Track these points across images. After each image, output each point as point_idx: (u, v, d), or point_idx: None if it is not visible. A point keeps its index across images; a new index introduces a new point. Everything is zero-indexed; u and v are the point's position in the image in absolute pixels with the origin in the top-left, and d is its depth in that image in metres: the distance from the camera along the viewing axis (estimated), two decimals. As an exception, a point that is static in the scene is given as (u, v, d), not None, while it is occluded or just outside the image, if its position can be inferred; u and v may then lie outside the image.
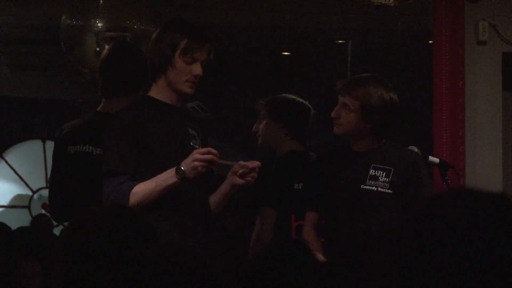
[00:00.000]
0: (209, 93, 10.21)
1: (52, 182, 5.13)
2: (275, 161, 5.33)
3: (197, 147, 4.31)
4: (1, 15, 7.95)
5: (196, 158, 4.06)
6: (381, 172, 4.59)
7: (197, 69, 4.30)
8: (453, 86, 5.98)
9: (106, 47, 5.10)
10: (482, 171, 5.95)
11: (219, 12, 7.46)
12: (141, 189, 4.12)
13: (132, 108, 4.41)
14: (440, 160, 4.92)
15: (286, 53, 9.25)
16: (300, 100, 5.39)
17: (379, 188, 4.57)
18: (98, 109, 4.99)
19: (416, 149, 4.80)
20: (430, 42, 6.16)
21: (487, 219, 1.08)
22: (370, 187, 4.58)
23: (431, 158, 4.90)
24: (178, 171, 4.10)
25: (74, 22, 7.05)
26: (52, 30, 7.60)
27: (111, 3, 7.00)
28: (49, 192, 5.29)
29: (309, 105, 5.38)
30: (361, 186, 4.58)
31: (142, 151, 4.25)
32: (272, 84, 5.68)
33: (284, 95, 5.43)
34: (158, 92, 4.37)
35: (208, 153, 4.10)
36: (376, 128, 4.60)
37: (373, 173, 4.60)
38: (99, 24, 6.98)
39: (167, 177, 4.15)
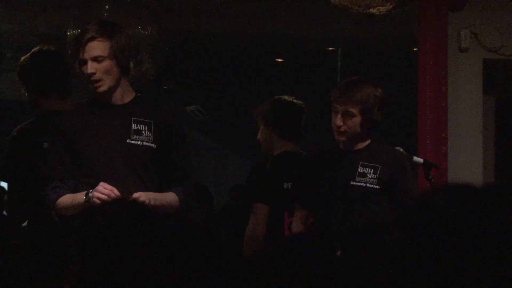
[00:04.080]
0: (207, 97, 10.22)
1: (15, 179, 5.11)
2: (269, 161, 5.32)
3: (138, 142, 4.29)
4: (12, 23, 7.97)
5: (96, 189, 4.13)
6: (369, 169, 4.60)
7: (87, 68, 4.26)
8: (437, 90, 5.99)
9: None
10: (464, 171, 5.96)
11: (216, 20, 7.46)
12: (62, 202, 4.25)
13: (68, 113, 4.44)
14: (424, 160, 4.92)
15: (279, 60, 9.27)
16: (291, 101, 5.36)
17: (368, 184, 4.58)
18: (45, 107, 5.00)
19: (401, 150, 4.81)
20: (415, 49, 6.18)
21: (482, 208, 1.08)
22: (359, 183, 4.59)
23: (415, 158, 4.90)
24: (87, 194, 4.18)
25: (79, 31, 7.06)
26: (59, 38, 7.61)
27: (114, 13, 7.00)
28: (10, 190, 5.32)
29: (301, 106, 5.35)
30: (351, 183, 4.59)
31: (74, 156, 4.29)
32: (266, 89, 5.69)
33: (275, 98, 5.41)
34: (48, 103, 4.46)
35: (108, 190, 4.14)
36: (374, 127, 4.62)
37: (362, 170, 4.61)
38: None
39: (80, 197, 4.24)
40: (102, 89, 4.27)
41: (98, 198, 4.10)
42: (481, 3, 6.09)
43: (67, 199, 4.25)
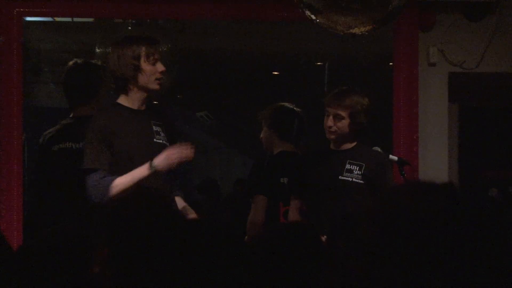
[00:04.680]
0: (214, 105, 10.20)
1: (33, 182, 5.09)
2: (268, 158, 5.32)
3: (161, 141, 4.27)
4: (49, 42, 7.94)
5: (171, 152, 4.11)
6: (355, 166, 4.59)
7: (160, 66, 4.27)
8: (409, 99, 5.97)
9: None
10: (432, 167, 5.94)
11: (222, 40, 7.45)
12: (120, 182, 4.10)
13: (102, 114, 4.32)
14: (398, 158, 4.89)
15: (275, 73, 9.24)
16: (291, 107, 5.36)
17: (354, 179, 4.58)
18: (71, 115, 4.94)
19: (379, 149, 4.80)
20: (390, 64, 6.15)
21: (441, 203, 1.07)
22: (346, 178, 4.58)
23: (391, 156, 4.87)
24: (151, 165, 4.09)
25: (106, 49, 7.04)
26: (88, 54, 7.59)
27: (134, 33, 6.99)
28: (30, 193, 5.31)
29: (298, 112, 5.36)
30: (339, 177, 4.58)
31: (112, 151, 4.21)
32: (264, 97, 5.69)
33: (278, 104, 5.41)
34: (125, 99, 4.30)
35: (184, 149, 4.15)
36: (360, 130, 4.62)
37: (349, 167, 4.60)
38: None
39: (141, 171, 4.13)
40: (159, 87, 4.30)
41: (178, 158, 4.11)
42: (447, 24, 6.07)
43: (125, 178, 4.13)
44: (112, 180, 4.13)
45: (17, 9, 5.72)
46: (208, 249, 1.89)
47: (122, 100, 4.30)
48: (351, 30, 4.13)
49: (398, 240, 1.05)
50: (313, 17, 4.13)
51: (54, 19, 6.42)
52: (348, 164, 4.61)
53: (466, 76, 6.12)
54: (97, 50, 7.15)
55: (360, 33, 4.16)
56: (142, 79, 4.22)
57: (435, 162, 6.01)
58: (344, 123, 4.58)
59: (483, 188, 6.57)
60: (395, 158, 4.87)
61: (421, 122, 5.99)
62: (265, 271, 2.28)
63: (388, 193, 1.11)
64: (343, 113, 4.56)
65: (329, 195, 4.54)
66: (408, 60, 5.98)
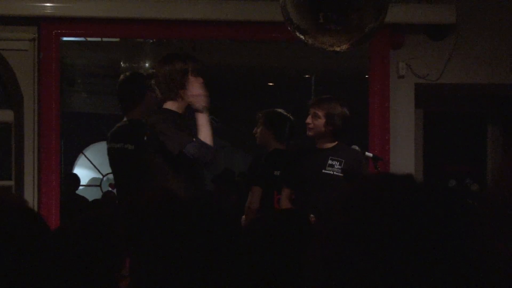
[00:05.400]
0: (220, 110, 10.18)
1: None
2: (264, 155, 5.32)
3: (193, 138, 4.19)
4: (82, 58, 7.94)
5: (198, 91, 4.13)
6: (336, 162, 4.60)
7: (201, 79, 4.23)
8: (382, 105, 5.97)
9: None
10: (401, 162, 5.94)
11: (226, 56, 7.46)
12: (205, 137, 4.09)
13: (163, 113, 4.26)
14: (373, 155, 4.90)
15: (270, 83, 9.25)
16: (285, 113, 5.37)
17: (335, 172, 4.58)
18: (125, 118, 4.94)
19: (357, 147, 4.80)
20: (366, 76, 6.16)
21: (402, 191, 1.07)
22: (328, 172, 4.58)
23: (367, 153, 4.88)
24: (201, 110, 4.11)
25: (130, 64, 7.06)
26: (114, 68, 7.59)
27: (152, 51, 7.01)
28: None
29: (290, 116, 5.37)
30: (322, 171, 4.59)
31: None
32: (261, 104, 5.70)
33: (274, 109, 5.42)
34: (172, 105, 4.27)
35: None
36: (335, 130, 4.61)
37: (331, 163, 4.60)
38: (146, 65, 6.98)
39: (204, 118, 4.13)
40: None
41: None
42: (413, 43, 6.07)
43: (203, 131, 4.10)
44: (200, 139, 4.08)
45: (55, 31, 5.73)
46: (210, 231, 1.88)
47: (169, 105, 4.24)
48: (333, 48, 4.13)
49: (365, 222, 1.05)
50: (302, 37, 4.13)
51: (86, 39, 6.42)
52: (330, 160, 4.62)
53: (429, 87, 6.12)
54: (122, 65, 7.16)
55: (341, 51, 4.16)
56: (190, 89, 4.20)
57: (404, 158, 6.01)
58: (320, 122, 4.59)
59: (443, 180, 6.58)
60: (371, 154, 4.88)
61: (392, 124, 5.99)
62: (260, 249, 2.28)
63: (359, 182, 1.11)
64: (320, 113, 4.58)
65: (314, 186, 4.54)
66: (381, 73, 5.98)
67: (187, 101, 4.22)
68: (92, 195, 10.37)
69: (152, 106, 4.61)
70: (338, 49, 4.12)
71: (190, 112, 4.32)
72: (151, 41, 6.80)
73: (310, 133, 4.65)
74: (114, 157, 4.87)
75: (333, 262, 1.01)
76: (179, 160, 4.10)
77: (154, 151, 4.17)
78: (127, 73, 5.11)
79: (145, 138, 4.27)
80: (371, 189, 1.07)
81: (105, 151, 5.08)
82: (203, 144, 4.07)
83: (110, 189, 11.15)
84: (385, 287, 1.01)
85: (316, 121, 4.60)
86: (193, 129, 4.25)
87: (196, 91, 4.17)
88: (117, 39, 6.58)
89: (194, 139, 4.08)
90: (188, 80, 4.18)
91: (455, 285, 1.02)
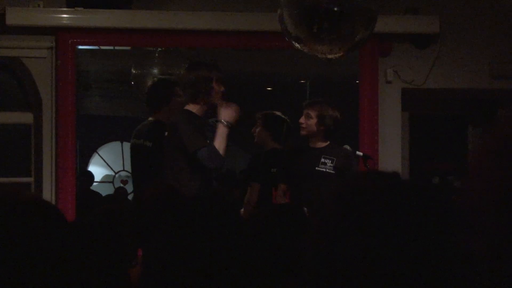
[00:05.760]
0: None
1: None
2: (263, 154, 5.32)
3: (207, 142, 4.21)
4: (95, 65, 7.94)
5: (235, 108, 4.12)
6: (328, 160, 4.60)
7: (222, 87, 4.31)
8: (371, 108, 5.98)
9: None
10: (389, 161, 5.94)
11: (228, 63, 7.45)
12: (219, 147, 4.09)
13: (186, 113, 4.29)
14: (363, 154, 4.90)
15: (269, 88, 9.24)
16: (282, 115, 5.38)
17: (327, 170, 4.58)
18: (150, 118, 4.97)
19: (348, 147, 4.80)
20: (357, 82, 6.16)
21: (388, 187, 1.08)
22: (321, 169, 4.59)
23: (357, 152, 4.89)
24: (225, 123, 4.10)
25: (139, 70, 7.04)
26: (125, 74, 7.58)
27: (161, 59, 7.00)
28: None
29: (287, 119, 5.37)
30: (316, 168, 4.59)
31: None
32: (261, 107, 5.72)
33: (272, 111, 5.42)
34: (193, 108, 4.29)
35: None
36: (326, 130, 4.62)
37: (323, 161, 4.61)
38: (154, 71, 6.97)
39: (223, 130, 4.12)
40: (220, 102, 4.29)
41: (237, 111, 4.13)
42: (400, 51, 6.07)
43: (218, 141, 4.10)
44: (214, 147, 4.08)
45: (71, 40, 5.73)
46: (214, 224, 1.89)
47: (191, 107, 4.28)
48: (327, 56, 4.14)
49: (354, 215, 1.05)
50: (298, 46, 4.14)
51: (100, 47, 6.43)
52: (322, 158, 4.62)
53: (415, 91, 6.12)
54: (133, 71, 7.14)
55: (334, 58, 4.17)
56: (213, 96, 4.25)
57: (391, 157, 6.01)
58: (312, 122, 4.60)
59: (428, 176, 6.58)
60: (361, 154, 4.89)
61: (380, 126, 5.99)
62: (259, 240, 2.29)
63: (349, 178, 1.11)
64: (312, 114, 4.60)
65: (308, 182, 4.55)
66: (370, 78, 5.98)
67: (207, 107, 4.26)
68: (105, 190, 10.38)
69: (175, 110, 4.64)
70: (331, 56, 4.13)
71: (207, 115, 4.36)
72: (159, 49, 6.80)
73: (303, 132, 4.66)
74: (134, 152, 4.90)
75: (324, 251, 1.01)
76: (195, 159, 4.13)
77: (173, 148, 4.18)
78: (156, 79, 5.20)
79: (166, 134, 4.29)
80: (360, 185, 1.07)
81: (117, 150, 5.11)
82: (215, 151, 4.08)
83: (121, 185, 11.17)
84: (371, 274, 1.01)
85: (308, 121, 4.62)
86: (207, 133, 4.28)
87: (231, 107, 4.19)
88: (128, 48, 6.59)
89: (208, 143, 4.08)
90: (212, 87, 4.21)
91: (434, 273, 1.01)
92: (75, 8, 5.63)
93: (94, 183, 10.20)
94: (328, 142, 4.68)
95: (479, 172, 0.72)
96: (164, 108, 4.86)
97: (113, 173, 11.98)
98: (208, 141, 4.12)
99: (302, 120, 4.64)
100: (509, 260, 0.71)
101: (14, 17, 5.58)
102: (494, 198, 0.73)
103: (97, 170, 11.75)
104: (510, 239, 0.71)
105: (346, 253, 1.02)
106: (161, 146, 4.34)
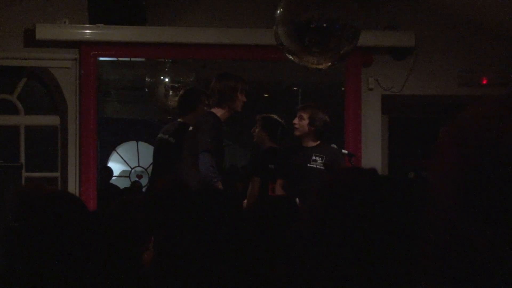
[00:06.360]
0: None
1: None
2: (261, 152, 5.31)
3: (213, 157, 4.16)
4: (114, 74, 7.93)
5: None
6: (319, 157, 4.59)
7: (244, 97, 4.31)
8: (355, 112, 5.97)
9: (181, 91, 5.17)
10: (371, 158, 5.93)
11: (232, 72, 7.45)
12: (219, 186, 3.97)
13: (212, 116, 4.27)
14: (348, 152, 4.89)
15: (266, 94, 9.24)
16: (278, 118, 5.37)
17: (317, 166, 4.57)
18: (179, 119, 4.97)
19: (335, 146, 4.80)
20: (343, 89, 6.17)
21: (367, 181, 1.08)
22: (313, 165, 4.58)
23: (343, 150, 4.87)
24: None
25: (153, 79, 7.04)
26: (140, 82, 7.58)
27: (172, 68, 7.00)
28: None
29: (282, 121, 5.37)
30: (308, 165, 4.58)
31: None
32: (259, 111, 5.73)
33: (269, 115, 5.41)
34: (218, 111, 4.31)
35: None
36: (317, 131, 4.61)
37: (314, 158, 4.60)
38: (166, 80, 6.97)
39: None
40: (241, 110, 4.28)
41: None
42: (380, 62, 6.07)
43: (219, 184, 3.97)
44: (212, 159, 3.99)
45: (93, 52, 5.74)
46: (218, 212, 1.89)
47: (216, 111, 4.29)
48: (316, 66, 4.14)
49: (337, 204, 1.05)
50: (291, 57, 4.14)
51: (118, 59, 6.43)
52: (313, 156, 4.62)
53: (393, 97, 6.12)
54: (147, 80, 7.15)
55: (322, 68, 4.17)
56: (237, 104, 4.27)
57: (373, 154, 6.00)
58: (304, 123, 4.59)
59: (404, 172, 6.59)
60: (346, 152, 4.88)
61: (363, 127, 5.98)
62: (258, 226, 2.30)
63: (334, 173, 1.12)
64: (304, 115, 4.59)
65: (301, 177, 4.54)
66: (354, 86, 5.98)
67: (229, 113, 4.29)
68: (123, 184, 10.39)
69: (201, 114, 4.64)
70: (320, 67, 4.13)
71: (228, 120, 4.38)
72: (170, 60, 6.81)
73: (297, 133, 4.65)
74: (158, 145, 4.90)
75: (311, 234, 1.02)
76: (220, 155, 4.13)
77: (191, 142, 4.21)
78: (188, 88, 5.23)
79: (190, 128, 4.31)
80: (341, 180, 1.08)
81: (133, 149, 5.10)
82: (214, 171, 4.02)
83: (137, 179, 11.17)
84: (351, 255, 1.01)
85: (301, 122, 4.62)
86: (223, 136, 4.29)
87: (238, 104, 4.23)
88: (143, 59, 6.59)
89: (213, 159, 4.00)
90: (236, 96, 4.23)
91: (402, 251, 1.02)
92: (97, 24, 5.63)
93: (113, 177, 10.21)
94: (319, 142, 4.67)
95: (440, 160, 0.72)
96: (191, 112, 4.87)
97: (130, 169, 11.98)
98: (214, 157, 4.09)
99: (295, 121, 4.64)
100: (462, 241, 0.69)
101: (43, 32, 5.58)
102: (454, 184, 0.71)
103: (116, 166, 11.75)
104: (465, 218, 0.69)
105: (329, 236, 1.02)
106: (182, 144, 4.36)
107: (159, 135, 4.92)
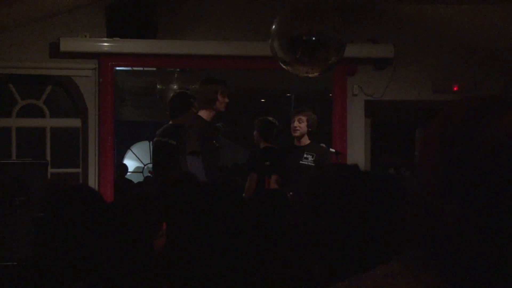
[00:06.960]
0: (227, 119, 10.18)
1: None
2: (258, 151, 5.31)
3: (217, 144, 4.18)
4: (129, 82, 7.92)
5: None
6: (310, 155, 4.59)
7: (226, 98, 4.28)
8: (341, 115, 5.97)
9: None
10: (355, 156, 5.92)
11: (232, 80, 7.44)
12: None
13: (199, 119, 4.27)
14: (335, 150, 4.89)
15: (263, 100, 9.24)
16: (273, 120, 5.36)
17: (308, 163, 4.57)
18: (170, 122, 4.94)
19: (324, 145, 4.80)
20: (330, 95, 6.17)
21: (350, 176, 1.08)
22: (304, 163, 4.58)
23: (331, 149, 4.86)
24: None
25: (163, 86, 7.04)
26: (152, 89, 7.56)
27: (180, 77, 7.00)
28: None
29: (276, 123, 5.36)
30: (300, 162, 4.58)
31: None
32: (256, 114, 5.74)
33: (265, 118, 5.40)
34: (204, 114, 4.30)
35: None
36: (310, 132, 4.62)
37: (306, 156, 4.60)
38: (174, 87, 6.97)
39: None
40: (224, 109, 4.23)
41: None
42: (363, 72, 6.06)
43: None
44: (197, 161, 3.95)
45: (111, 62, 5.73)
46: (222, 203, 1.89)
47: (202, 113, 4.29)
48: (307, 74, 4.14)
49: (323, 197, 1.05)
50: (285, 67, 4.15)
51: (132, 68, 6.43)
52: (305, 154, 4.62)
53: (375, 102, 6.11)
54: (158, 87, 7.14)
55: (313, 76, 4.17)
56: (218, 105, 4.24)
57: (357, 153, 5.99)
58: (304, 125, 4.58)
59: (385, 168, 6.59)
60: (333, 150, 4.87)
61: (348, 129, 5.98)
62: (256, 216, 2.30)
63: (321, 169, 1.12)
64: (303, 118, 4.58)
65: (294, 173, 4.54)
66: (340, 92, 5.97)
67: (214, 113, 4.27)
68: (137, 179, 10.36)
69: (191, 117, 4.63)
70: (310, 75, 4.14)
71: (214, 120, 4.37)
72: (178, 69, 6.81)
73: (296, 134, 4.64)
74: (158, 148, 4.85)
75: (300, 224, 1.02)
76: (211, 153, 4.12)
77: (185, 146, 4.20)
78: (177, 91, 5.17)
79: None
80: (327, 175, 1.08)
81: (146, 148, 5.06)
82: (202, 172, 3.95)
83: (149, 175, 11.14)
84: (338, 240, 1.01)
85: (301, 124, 4.61)
86: (213, 134, 4.27)
87: (219, 105, 4.19)
88: (154, 68, 6.59)
89: (200, 161, 3.98)
90: (216, 97, 4.23)
91: (380, 239, 1.01)
92: (114, 38, 5.64)
93: (128, 173, 10.18)
94: (310, 141, 4.67)
95: (425, 147, 0.72)
96: (181, 115, 4.84)
97: (143, 165, 11.96)
98: (199, 157, 4.05)
99: (296, 124, 4.62)
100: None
101: (66, 45, 5.58)
102: (435, 168, 0.71)
103: (130, 163, 11.72)
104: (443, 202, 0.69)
105: (316, 226, 1.02)
106: (181, 145, 4.33)
107: (156, 138, 4.85)
